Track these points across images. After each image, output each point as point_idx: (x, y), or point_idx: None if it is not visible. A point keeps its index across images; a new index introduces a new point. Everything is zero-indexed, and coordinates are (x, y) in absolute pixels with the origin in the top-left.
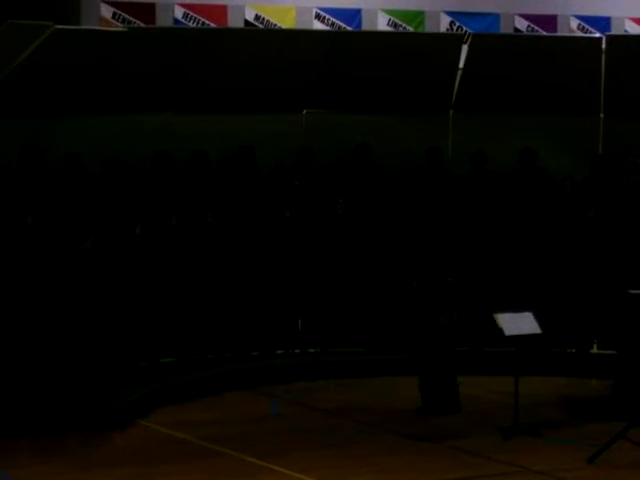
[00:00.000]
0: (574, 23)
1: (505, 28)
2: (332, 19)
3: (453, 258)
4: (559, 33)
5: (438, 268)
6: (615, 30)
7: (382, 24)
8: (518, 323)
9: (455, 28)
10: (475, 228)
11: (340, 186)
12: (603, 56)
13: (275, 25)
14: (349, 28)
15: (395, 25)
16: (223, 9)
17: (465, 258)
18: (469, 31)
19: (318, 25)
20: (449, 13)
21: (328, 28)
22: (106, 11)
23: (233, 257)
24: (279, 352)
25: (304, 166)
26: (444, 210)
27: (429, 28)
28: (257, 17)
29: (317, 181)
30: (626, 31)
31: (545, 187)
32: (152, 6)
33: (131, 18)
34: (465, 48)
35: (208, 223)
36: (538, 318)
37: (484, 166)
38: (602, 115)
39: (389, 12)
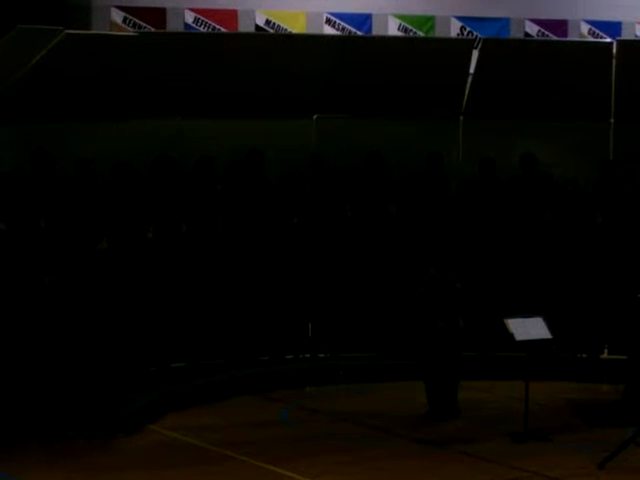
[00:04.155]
0: (584, 28)
1: (515, 33)
2: (342, 24)
3: (461, 263)
4: (569, 38)
5: (446, 273)
6: (625, 35)
7: (392, 29)
8: (528, 328)
9: (466, 33)
10: (484, 233)
11: (349, 191)
12: (614, 61)
13: (286, 30)
14: (359, 33)
15: (405, 30)
16: (234, 14)
17: (474, 263)
18: (479, 36)
19: (328, 30)
20: (459, 18)
21: (338, 33)
22: (117, 16)
23: (243, 262)
24: (289, 357)
25: (315, 172)
26: (448, 214)
27: (439, 33)
28: (268, 22)
29: (327, 186)
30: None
31: (548, 192)
32: (163, 11)
33: (142, 23)
34: (476, 53)
35: (217, 229)
36: (548, 323)
37: (492, 172)
38: (612, 120)
39: (399, 17)
